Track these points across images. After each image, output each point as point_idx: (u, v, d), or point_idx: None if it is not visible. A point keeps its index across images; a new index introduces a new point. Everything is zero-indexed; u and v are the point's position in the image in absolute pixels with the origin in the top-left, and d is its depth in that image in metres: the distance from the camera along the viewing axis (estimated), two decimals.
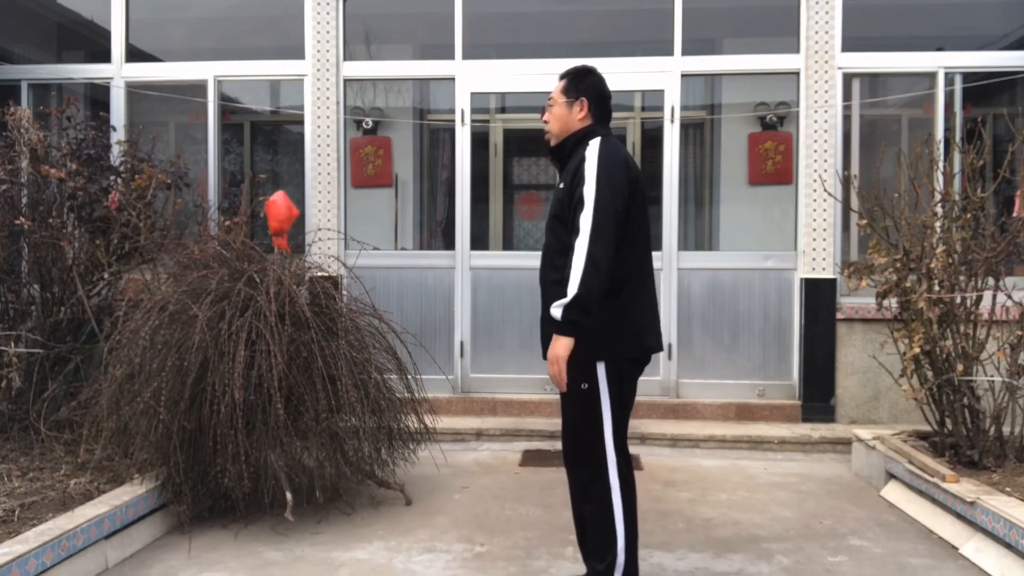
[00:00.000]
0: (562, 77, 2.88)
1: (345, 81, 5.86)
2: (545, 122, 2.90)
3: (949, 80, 5.49)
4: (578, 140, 2.77)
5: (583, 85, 2.82)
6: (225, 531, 3.55)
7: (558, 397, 2.89)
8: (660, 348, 2.83)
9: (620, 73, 5.68)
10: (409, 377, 3.99)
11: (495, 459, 4.84)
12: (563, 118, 2.82)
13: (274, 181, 6.48)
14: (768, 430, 5.22)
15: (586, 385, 2.66)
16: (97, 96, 6.05)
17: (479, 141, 6.20)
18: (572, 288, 2.51)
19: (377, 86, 6.26)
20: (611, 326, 2.64)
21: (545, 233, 2.89)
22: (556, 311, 2.54)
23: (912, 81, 5.83)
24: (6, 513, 3.14)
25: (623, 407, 2.73)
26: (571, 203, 2.64)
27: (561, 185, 2.76)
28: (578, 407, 2.70)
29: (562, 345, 2.55)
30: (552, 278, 2.71)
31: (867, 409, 5.43)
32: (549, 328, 2.67)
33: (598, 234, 2.53)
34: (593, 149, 2.66)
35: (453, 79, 5.76)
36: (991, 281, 3.91)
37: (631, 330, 2.70)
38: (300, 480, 3.70)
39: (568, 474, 2.85)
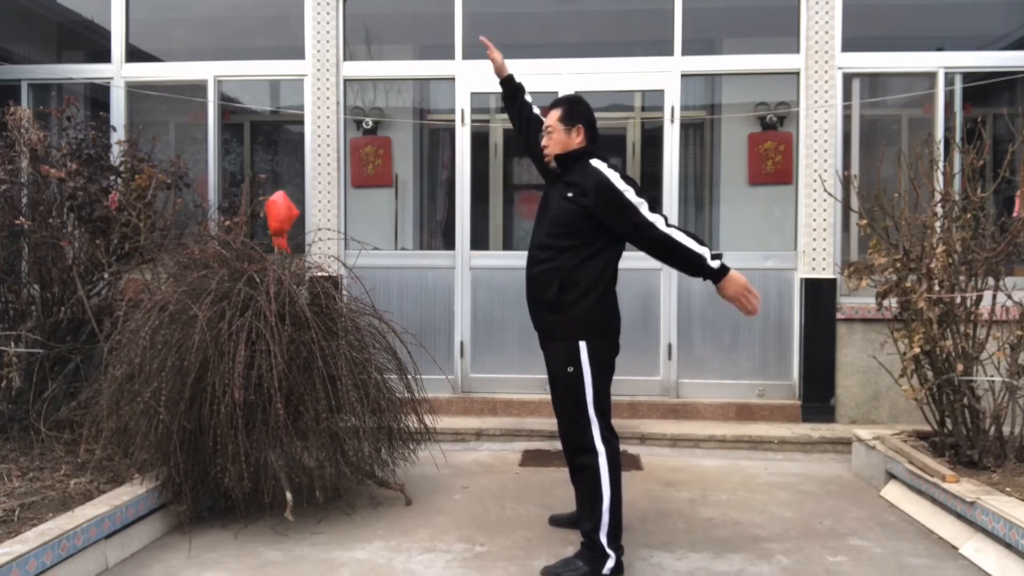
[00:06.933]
0: (556, 105, 3.27)
1: (345, 81, 5.86)
2: (544, 146, 3.26)
3: (949, 80, 5.49)
4: (578, 156, 3.17)
5: (578, 113, 3.22)
6: (225, 531, 3.55)
7: None
8: (617, 351, 3.21)
9: (620, 73, 5.70)
10: (409, 377, 3.98)
11: (495, 459, 4.84)
12: (562, 142, 3.21)
13: (274, 181, 6.47)
14: (768, 430, 5.22)
15: (571, 368, 3.04)
16: (97, 96, 6.06)
17: (479, 141, 6.20)
18: (699, 248, 2.99)
19: (377, 86, 6.26)
20: (595, 316, 3.06)
21: (535, 231, 3.24)
22: (714, 263, 3.00)
23: (912, 81, 5.83)
24: (6, 513, 3.14)
25: (604, 383, 3.10)
26: (605, 217, 3.05)
27: (570, 195, 3.09)
28: (566, 387, 3.08)
29: (736, 278, 3.02)
30: (536, 270, 3.14)
31: (867, 409, 5.43)
32: (543, 312, 3.13)
33: (664, 219, 3.03)
34: (606, 169, 3.06)
35: (453, 79, 5.76)
36: (991, 281, 3.91)
37: (609, 324, 3.13)
38: (300, 480, 3.69)
39: (563, 448, 3.24)
